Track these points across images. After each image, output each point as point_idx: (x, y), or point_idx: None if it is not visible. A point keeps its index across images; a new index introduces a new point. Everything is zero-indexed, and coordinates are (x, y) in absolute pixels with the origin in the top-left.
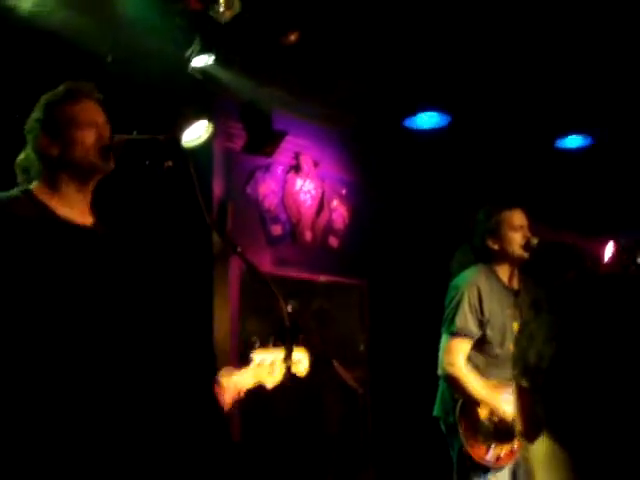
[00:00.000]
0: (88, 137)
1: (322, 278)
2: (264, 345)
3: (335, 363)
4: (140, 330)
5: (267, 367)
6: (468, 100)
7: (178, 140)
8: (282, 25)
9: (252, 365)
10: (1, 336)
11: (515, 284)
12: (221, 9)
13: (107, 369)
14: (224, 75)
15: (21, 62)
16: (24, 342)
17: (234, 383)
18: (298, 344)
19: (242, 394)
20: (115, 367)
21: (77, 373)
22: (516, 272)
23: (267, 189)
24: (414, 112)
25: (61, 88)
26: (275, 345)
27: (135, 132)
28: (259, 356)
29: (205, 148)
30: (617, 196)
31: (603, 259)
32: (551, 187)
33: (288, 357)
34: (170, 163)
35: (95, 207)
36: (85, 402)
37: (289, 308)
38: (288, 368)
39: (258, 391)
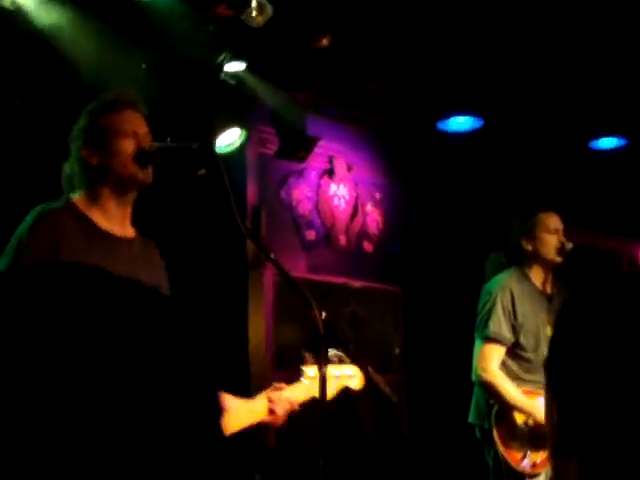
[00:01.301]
0: (128, 147)
1: (356, 283)
2: (316, 358)
3: (370, 370)
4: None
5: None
6: (501, 103)
7: (211, 147)
8: (314, 29)
9: (304, 379)
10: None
11: (548, 288)
12: (253, 14)
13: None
14: (256, 81)
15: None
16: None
17: (287, 397)
18: (338, 353)
19: (296, 407)
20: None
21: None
22: (550, 276)
23: (301, 194)
24: (447, 115)
25: (107, 97)
26: (335, 362)
27: (169, 139)
28: (311, 370)
29: (238, 154)
30: None
31: (638, 262)
32: (586, 189)
33: (323, 362)
34: (203, 171)
35: (135, 218)
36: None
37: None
38: (323, 374)
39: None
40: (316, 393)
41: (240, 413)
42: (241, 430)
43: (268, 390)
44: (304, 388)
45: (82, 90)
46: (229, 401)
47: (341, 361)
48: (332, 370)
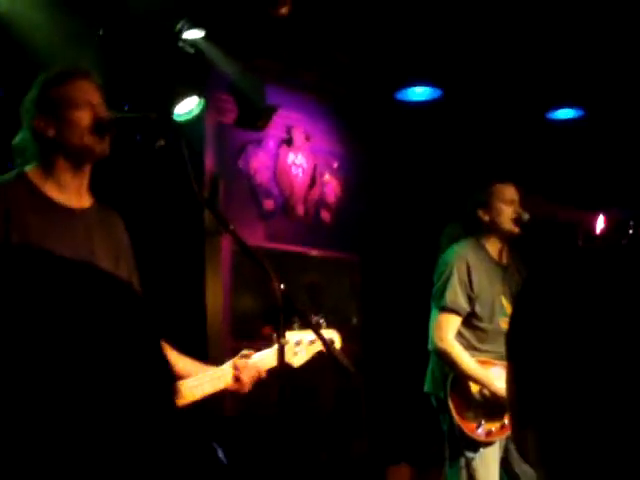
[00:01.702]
0: (84, 118)
1: (314, 252)
2: (288, 326)
3: (328, 340)
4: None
5: (292, 347)
6: (459, 73)
7: (170, 118)
8: None
9: (274, 345)
10: None
11: (504, 259)
12: None
13: None
14: (215, 49)
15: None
16: None
17: (254, 363)
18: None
19: (263, 374)
20: None
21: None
22: (505, 247)
23: (259, 163)
24: (406, 85)
25: (57, 68)
26: (301, 326)
27: (126, 107)
28: (288, 335)
29: (196, 122)
30: (609, 169)
31: (595, 233)
32: (543, 160)
33: (281, 335)
34: (162, 142)
35: (91, 187)
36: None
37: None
38: (281, 347)
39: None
40: (288, 359)
41: (203, 381)
42: (203, 397)
43: (235, 358)
44: (274, 354)
45: (35, 62)
46: (192, 366)
47: (318, 325)
48: (307, 336)
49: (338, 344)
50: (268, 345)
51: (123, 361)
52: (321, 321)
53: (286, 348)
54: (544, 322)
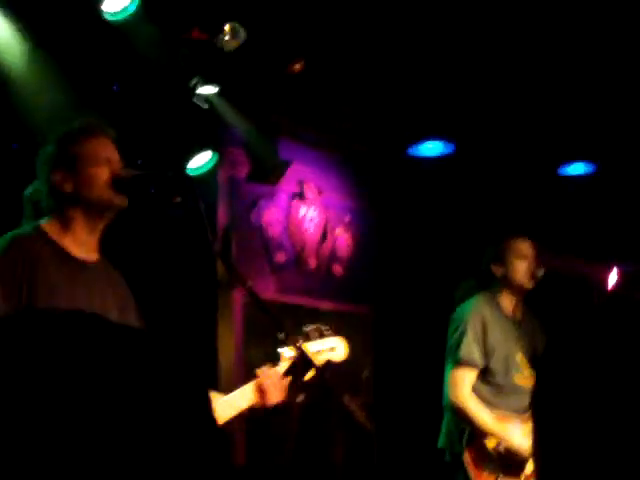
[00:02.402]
0: (103, 174)
1: (326, 305)
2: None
3: (346, 397)
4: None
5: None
6: (472, 129)
7: (186, 175)
8: (287, 54)
9: (281, 362)
10: None
11: (518, 314)
12: (227, 38)
13: None
14: (228, 105)
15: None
16: None
17: (273, 372)
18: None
19: (286, 384)
20: None
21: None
22: (519, 302)
23: (271, 217)
24: (418, 140)
25: (76, 124)
26: (315, 337)
27: (139, 162)
28: (288, 350)
29: (209, 176)
30: (621, 223)
31: (608, 287)
32: (555, 214)
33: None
34: (179, 199)
35: (102, 240)
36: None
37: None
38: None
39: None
40: (311, 360)
41: (226, 401)
42: (227, 422)
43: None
44: (284, 367)
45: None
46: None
47: (322, 335)
48: (312, 346)
49: (344, 352)
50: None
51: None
52: (323, 330)
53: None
54: (569, 389)
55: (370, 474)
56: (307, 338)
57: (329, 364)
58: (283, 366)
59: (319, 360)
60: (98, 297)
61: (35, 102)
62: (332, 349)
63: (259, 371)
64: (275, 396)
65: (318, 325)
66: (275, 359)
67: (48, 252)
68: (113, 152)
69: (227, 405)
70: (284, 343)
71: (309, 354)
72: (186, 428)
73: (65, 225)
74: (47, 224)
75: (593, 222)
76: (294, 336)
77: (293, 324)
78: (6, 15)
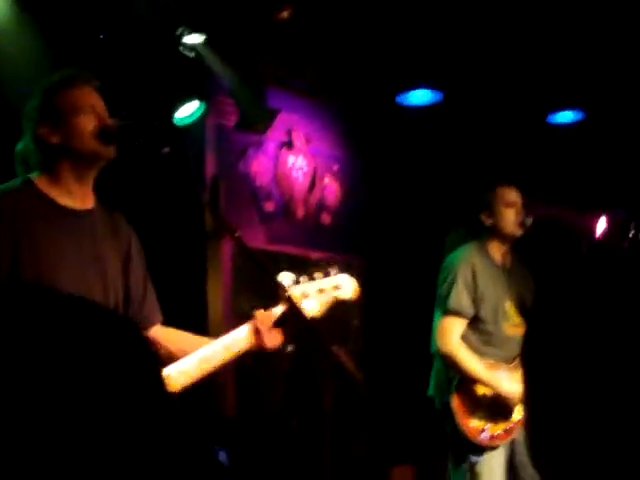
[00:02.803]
0: (89, 123)
1: (315, 255)
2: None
3: (335, 348)
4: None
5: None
6: (460, 77)
7: (174, 125)
8: (274, 1)
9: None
10: None
11: (507, 263)
12: None
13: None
14: (215, 54)
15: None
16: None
17: (270, 316)
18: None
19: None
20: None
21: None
22: (508, 250)
23: (259, 166)
24: (407, 89)
25: (58, 75)
26: (320, 277)
27: (125, 112)
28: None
29: (197, 125)
30: (609, 171)
31: (596, 235)
32: (544, 163)
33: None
34: (167, 149)
35: (95, 190)
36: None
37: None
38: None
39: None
40: (300, 310)
41: (220, 349)
42: (224, 365)
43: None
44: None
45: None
46: (203, 342)
47: (327, 274)
48: (316, 285)
49: (352, 289)
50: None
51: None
52: (330, 270)
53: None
54: None
55: (359, 421)
56: (311, 278)
57: (336, 303)
58: (279, 309)
59: (327, 300)
60: (90, 245)
61: (19, 56)
62: (337, 287)
63: (258, 313)
64: (271, 339)
65: (325, 265)
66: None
67: (36, 204)
68: (98, 100)
69: (223, 348)
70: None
71: (298, 303)
72: (139, 402)
73: (54, 177)
74: (36, 177)
75: (582, 170)
76: (286, 284)
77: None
78: None
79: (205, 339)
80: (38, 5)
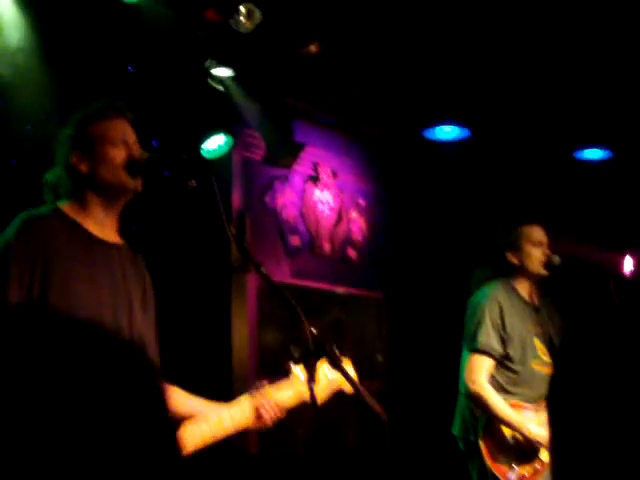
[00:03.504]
0: (118, 155)
1: (340, 289)
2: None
3: (359, 386)
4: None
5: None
6: (488, 113)
7: (202, 158)
8: (302, 35)
9: (292, 379)
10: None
11: (535, 300)
12: (242, 20)
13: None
14: (242, 88)
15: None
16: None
17: (275, 401)
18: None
19: (284, 413)
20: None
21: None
22: (535, 288)
23: (286, 199)
24: (434, 124)
25: (93, 105)
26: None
27: (154, 144)
28: (301, 371)
29: (224, 158)
30: (637, 208)
31: (624, 274)
32: (571, 200)
33: (312, 379)
34: (194, 183)
35: (121, 224)
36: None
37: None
38: (312, 390)
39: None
40: (306, 397)
41: (223, 420)
42: (225, 437)
43: (253, 391)
44: (293, 393)
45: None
46: (213, 408)
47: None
48: (326, 372)
49: (352, 375)
50: (285, 378)
51: None
52: (335, 350)
53: (305, 385)
54: (587, 385)
55: (383, 460)
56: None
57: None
58: (287, 393)
59: (331, 388)
60: (121, 277)
61: (46, 88)
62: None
63: (259, 395)
64: (270, 418)
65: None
66: (290, 344)
67: (67, 232)
68: (130, 133)
69: (226, 419)
70: (297, 359)
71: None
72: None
73: (83, 206)
74: (66, 205)
75: (609, 207)
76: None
77: (307, 308)
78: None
79: (198, 401)
80: (65, 37)
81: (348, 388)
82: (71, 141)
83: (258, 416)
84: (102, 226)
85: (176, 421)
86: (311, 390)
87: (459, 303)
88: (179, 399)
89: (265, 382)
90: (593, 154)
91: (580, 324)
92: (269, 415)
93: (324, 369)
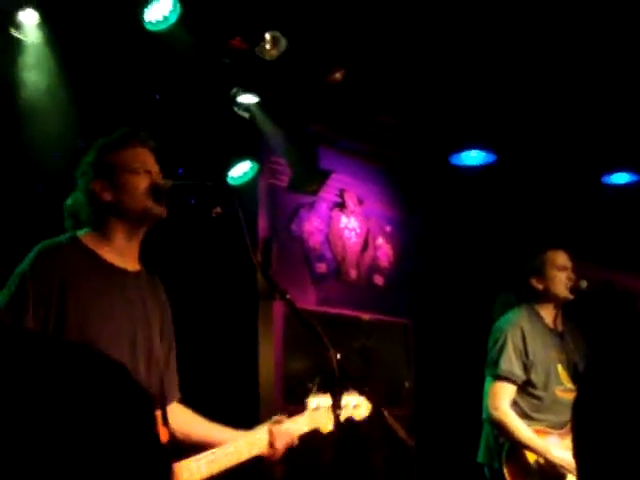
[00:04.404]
0: (142, 183)
1: (367, 316)
2: (320, 390)
3: (385, 412)
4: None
5: (324, 412)
6: (514, 138)
7: (227, 185)
8: (328, 63)
9: (307, 411)
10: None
11: (559, 326)
12: (267, 47)
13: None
14: (267, 115)
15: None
16: None
17: (286, 429)
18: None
19: (295, 441)
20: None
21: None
22: (560, 313)
23: (312, 226)
24: (460, 149)
25: (116, 134)
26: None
27: (180, 171)
28: (315, 400)
29: (250, 185)
30: None
31: None
32: (598, 225)
33: (337, 406)
34: (219, 210)
35: (143, 252)
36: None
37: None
38: (337, 416)
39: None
40: (318, 425)
41: (240, 446)
42: (239, 464)
43: (269, 422)
44: (306, 420)
45: (96, 126)
46: (228, 434)
47: (346, 390)
48: (350, 399)
49: (365, 411)
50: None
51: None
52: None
53: (318, 413)
54: (612, 403)
55: None
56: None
57: (349, 420)
58: (300, 420)
59: (342, 416)
60: (140, 306)
61: (73, 115)
62: (356, 407)
63: (273, 428)
64: (282, 446)
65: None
66: (315, 373)
67: (84, 260)
68: (152, 162)
69: (243, 446)
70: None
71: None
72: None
73: (104, 235)
74: (85, 235)
75: (636, 232)
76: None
77: (334, 335)
78: (43, 27)
79: (216, 427)
80: (92, 65)
81: (359, 415)
82: (92, 169)
83: (271, 445)
84: (122, 254)
85: (193, 447)
86: (336, 416)
87: (485, 329)
88: (195, 425)
89: (282, 415)
90: (620, 178)
91: (605, 348)
92: (281, 444)
93: (348, 396)
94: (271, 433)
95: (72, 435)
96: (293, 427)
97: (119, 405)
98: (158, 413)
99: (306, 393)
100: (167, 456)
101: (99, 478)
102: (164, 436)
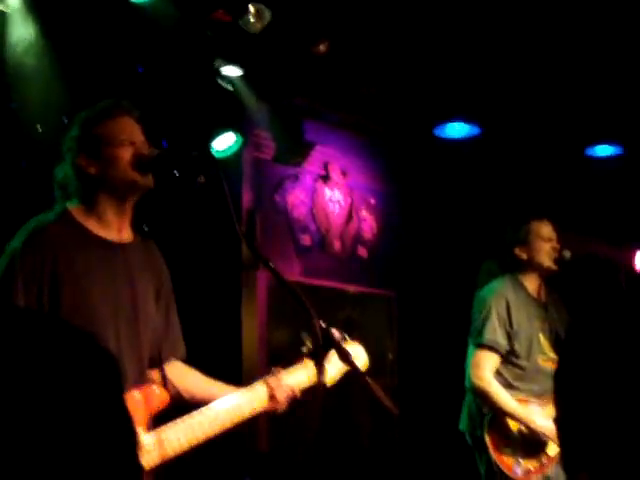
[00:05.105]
0: (126, 154)
1: (351, 288)
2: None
3: (370, 380)
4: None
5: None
6: (498, 110)
7: (211, 155)
8: (312, 35)
9: (305, 364)
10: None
11: (543, 296)
12: (251, 20)
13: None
14: (251, 88)
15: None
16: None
17: (287, 383)
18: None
19: (297, 393)
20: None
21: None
22: (543, 284)
23: (296, 198)
24: (444, 121)
25: (99, 105)
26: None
27: (164, 143)
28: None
29: (234, 158)
30: None
31: (635, 269)
32: (581, 196)
33: (321, 373)
34: (203, 179)
35: (134, 221)
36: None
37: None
38: (322, 384)
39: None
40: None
41: (240, 404)
42: (243, 421)
43: (266, 376)
44: (307, 375)
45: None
46: (226, 391)
47: (344, 340)
48: (335, 364)
49: (363, 359)
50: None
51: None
52: (345, 336)
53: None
54: (593, 371)
55: (393, 455)
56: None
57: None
58: (299, 373)
59: (342, 368)
60: (123, 277)
61: (56, 88)
62: (354, 358)
63: (274, 378)
64: (284, 398)
65: (339, 330)
66: (299, 343)
67: (73, 235)
68: (137, 132)
69: (243, 403)
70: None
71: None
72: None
73: (92, 208)
74: (74, 207)
75: (620, 203)
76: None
77: (318, 307)
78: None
79: (218, 385)
80: (74, 37)
81: (359, 366)
82: (77, 143)
83: (272, 397)
84: (109, 226)
85: (195, 404)
86: (321, 384)
87: (469, 300)
88: (198, 383)
89: (279, 368)
90: (603, 150)
91: (586, 317)
92: (283, 396)
93: (333, 362)
94: (269, 385)
95: (29, 403)
96: (294, 380)
97: (80, 372)
98: (155, 374)
99: (302, 346)
100: (129, 422)
101: (57, 444)
102: (163, 399)
